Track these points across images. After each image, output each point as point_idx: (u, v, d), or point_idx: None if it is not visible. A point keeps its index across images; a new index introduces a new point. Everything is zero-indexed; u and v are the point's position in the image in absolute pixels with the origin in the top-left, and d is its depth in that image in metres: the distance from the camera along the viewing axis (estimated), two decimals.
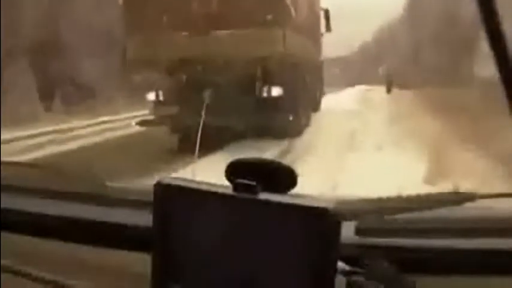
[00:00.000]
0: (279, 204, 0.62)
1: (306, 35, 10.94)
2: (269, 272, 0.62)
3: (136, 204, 0.95)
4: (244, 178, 0.63)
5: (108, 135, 10.59)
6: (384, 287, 0.70)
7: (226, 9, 8.10)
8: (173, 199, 0.67)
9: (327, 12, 14.49)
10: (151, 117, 9.02)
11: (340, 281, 0.67)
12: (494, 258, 0.79)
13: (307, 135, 9.49)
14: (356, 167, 6.25)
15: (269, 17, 8.03)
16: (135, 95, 14.96)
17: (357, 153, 7.45)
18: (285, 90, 8.52)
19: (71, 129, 11.11)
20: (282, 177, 0.67)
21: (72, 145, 9.02)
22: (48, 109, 13.71)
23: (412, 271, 0.73)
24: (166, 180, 0.68)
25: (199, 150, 1.44)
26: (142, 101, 13.15)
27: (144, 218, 0.77)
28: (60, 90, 14.35)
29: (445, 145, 7.78)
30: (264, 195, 0.63)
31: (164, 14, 8.26)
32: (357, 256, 0.74)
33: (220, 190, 0.65)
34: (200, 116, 1.84)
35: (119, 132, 11.02)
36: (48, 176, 1.20)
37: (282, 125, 8.44)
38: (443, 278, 0.77)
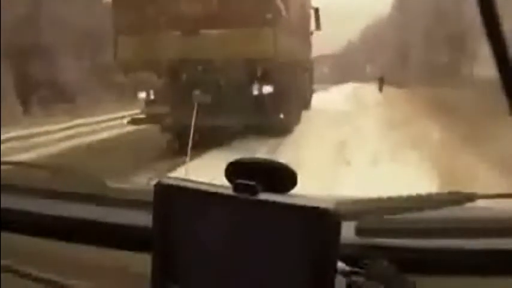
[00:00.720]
0: (279, 204, 0.62)
1: (297, 34, 10.95)
2: (269, 272, 0.62)
3: (136, 204, 0.95)
4: (244, 178, 0.63)
5: (77, 140, 9.39)
6: (384, 287, 0.70)
7: (218, 9, 8.13)
8: (173, 199, 0.67)
9: (317, 10, 14.51)
10: (142, 116, 9.04)
11: (340, 281, 0.67)
12: (494, 258, 0.79)
13: (295, 140, 8.90)
14: (350, 182, 5.42)
15: (260, 17, 8.05)
16: (118, 97, 14.64)
17: (351, 167, 6.49)
18: (275, 89, 8.56)
19: (46, 133, 10.16)
20: (282, 177, 0.67)
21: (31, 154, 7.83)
22: (26, 112, 13.15)
23: (412, 271, 0.73)
24: (166, 180, 0.68)
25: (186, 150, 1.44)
26: (125, 103, 12.68)
27: (144, 218, 0.77)
28: (39, 93, 13.81)
29: (451, 154, 7.07)
30: (264, 195, 0.63)
31: (155, 13, 8.27)
32: (357, 256, 0.74)
33: (220, 190, 0.65)
34: (191, 115, 1.83)
35: (93, 136, 10.05)
36: (48, 176, 1.21)
37: (273, 124, 8.49)
38: (443, 278, 0.77)
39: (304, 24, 12.89)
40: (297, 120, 10.23)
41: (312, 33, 14.60)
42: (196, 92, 7.20)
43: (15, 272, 0.85)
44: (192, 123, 1.63)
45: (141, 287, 0.71)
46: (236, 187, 0.64)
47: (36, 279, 0.83)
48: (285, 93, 8.94)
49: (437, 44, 22.03)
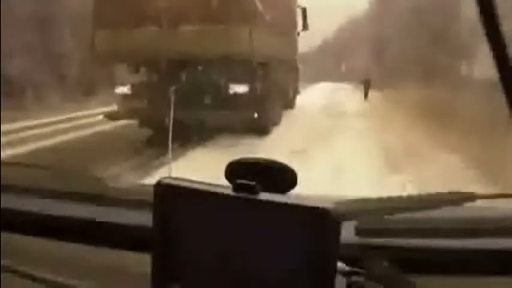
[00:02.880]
0: (279, 204, 0.62)
1: (278, 32, 10.79)
2: (269, 272, 0.62)
3: (136, 204, 0.95)
4: (244, 178, 0.63)
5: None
6: (384, 287, 0.70)
7: (196, 4, 8.11)
8: (173, 199, 0.67)
9: (304, 10, 14.37)
10: (119, 111, 8.99)
11: (340, 281, 0.67)
12: (494, 258, 0.79)
13: None
14: None
15: (236, 14, 8.01)
16: (71, 95, 13.77)
17: None
18: (250, 88, 8.52)
19: None
20: (282, 177, 0.67)
21: None
22: None
23: (412, 271, 0.73)
24: (166, 180, 0.68)
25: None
26: (79, 101, 12.02)
27: (144, 218, 0.77)
28: None
29: None
30: (264, 195, 0.63)
31: (134, 7, 8.26)
32: (357, 256, 0.74)
33: (220, 190, 0.65)
34: (167, 111, 1.82)
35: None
36: (48, 176, 1.21)
37: (247, 122, 8.40)
38: (443, 278, 0.77)
39: (288, 23, 12.70)
40: (276, 120, 9.98)
41: (298, 33, 14.44)
42: (172, 89, 7.18)
43: (15, 272, 0.85)
44: (171, 123, 1.61)
45: (141, 287, 0.71)
46: (236, 187, 0.64)
47: (36, 279, 0.83)
48: (262, 92, 8.86)
49: (416, 40, 21.25)
